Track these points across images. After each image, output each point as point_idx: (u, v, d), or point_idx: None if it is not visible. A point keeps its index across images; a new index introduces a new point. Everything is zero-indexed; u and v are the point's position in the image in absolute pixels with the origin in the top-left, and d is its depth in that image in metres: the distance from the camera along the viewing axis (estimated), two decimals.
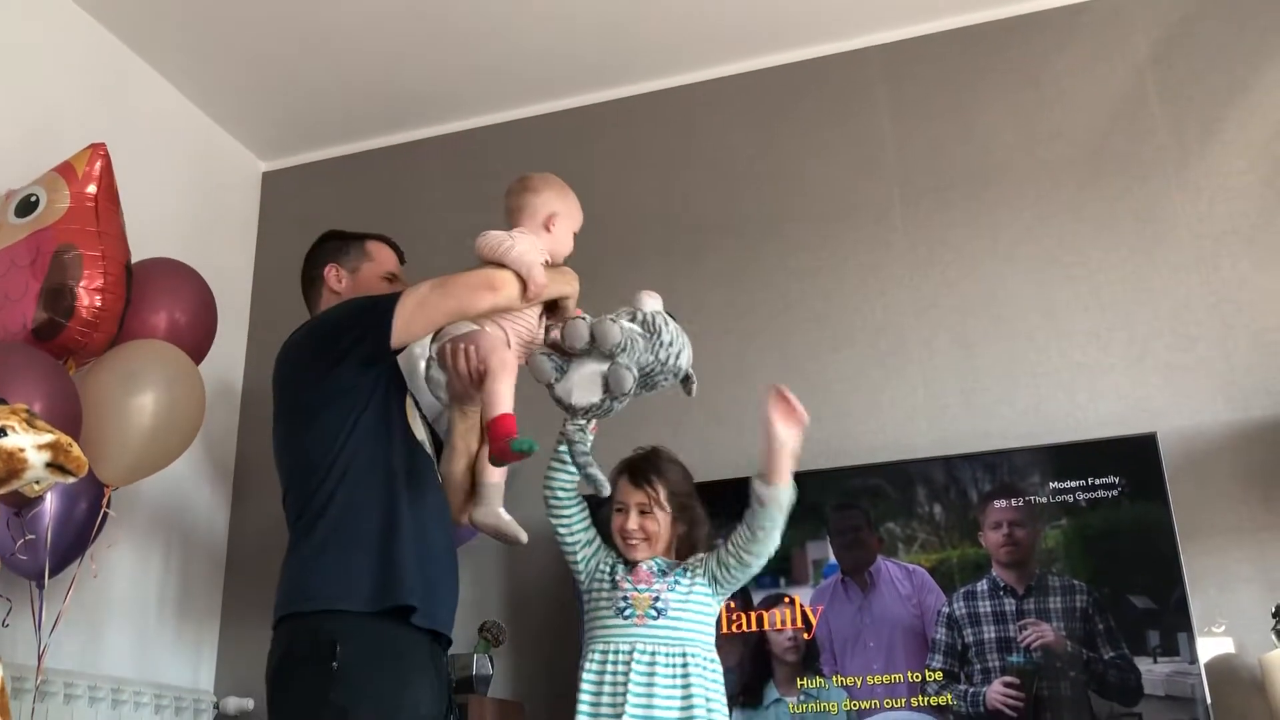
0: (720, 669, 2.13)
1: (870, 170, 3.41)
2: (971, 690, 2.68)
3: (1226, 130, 3.13)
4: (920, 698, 2.70)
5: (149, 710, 3.09)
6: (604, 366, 1.99)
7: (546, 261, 2.14)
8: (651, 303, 2.11)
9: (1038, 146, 3.27)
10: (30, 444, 1.90)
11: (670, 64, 3.66)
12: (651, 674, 2.04)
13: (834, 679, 2.77)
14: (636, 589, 2.13)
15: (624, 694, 2.02)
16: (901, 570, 2.82)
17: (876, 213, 3.36)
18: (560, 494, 2.20)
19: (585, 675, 2.10)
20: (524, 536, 2.14)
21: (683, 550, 2.23)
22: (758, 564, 2.13)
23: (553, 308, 2.19)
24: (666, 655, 2.06)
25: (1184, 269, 3.05)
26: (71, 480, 1.98)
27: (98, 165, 2.63)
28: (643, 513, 2.18)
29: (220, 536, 3.61)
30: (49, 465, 1.92)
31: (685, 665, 2.06)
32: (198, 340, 2.88)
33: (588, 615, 2.21)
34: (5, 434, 1.88)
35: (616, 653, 2.08)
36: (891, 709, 2.72)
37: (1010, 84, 3.36)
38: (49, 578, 2.54)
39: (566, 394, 2.02)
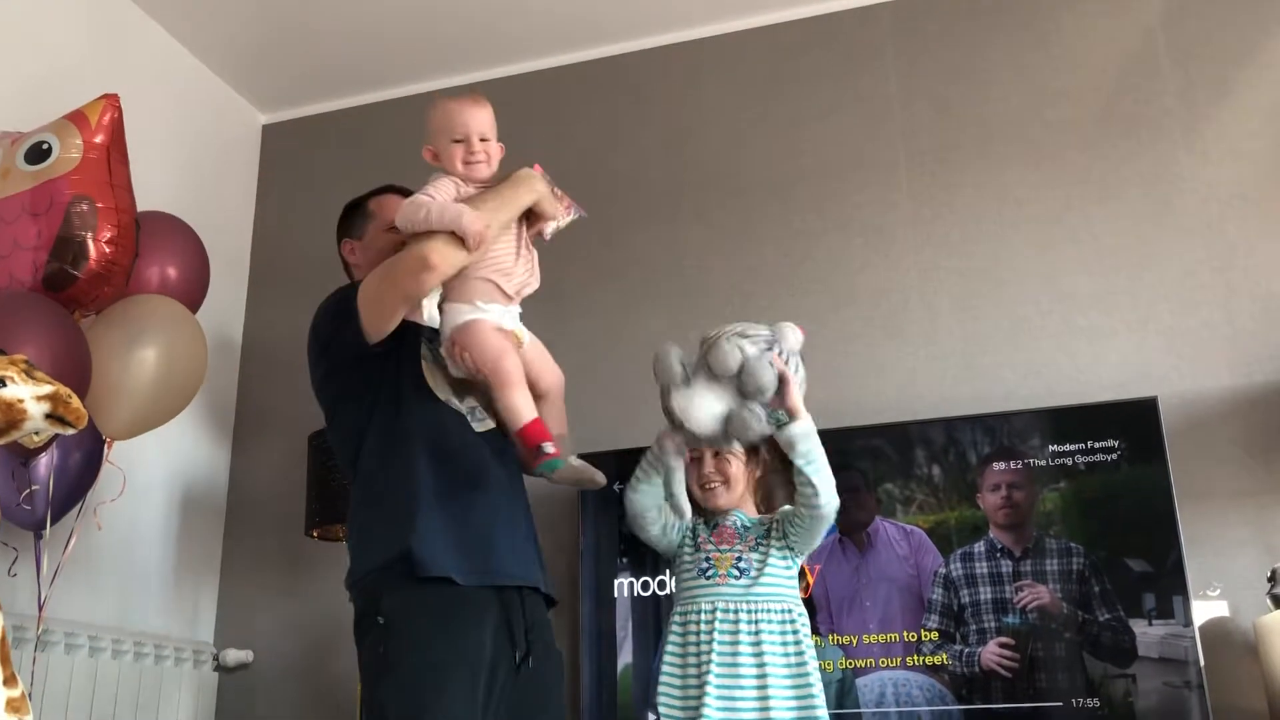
0: (806, 627, 2.02)
1: (876, 130, 3.38)
2: (966, 650, 2.70)
3: (1236, 92, 3.10)
4: (915, 657, 2.72)
5: (149, 661, 3.12)
6: (733, 404, 1.86)
7: (473, 193, 2.01)
8: (794, 338, 2.00)
9: (1045, 107, 3.24)
10: (30, 395, 1.89)
11: (676, 20, 3.61)
12: (736, 634, 1.98)
13: (830, 637, 2.78)
14: (719, 549, 2.06)
15: (709, 655, 1.97)
16: (899, 531, 2.83)
17: (882, 173, 3.34)
18: (644, 511, 2.10)
19: (669, 640, 2.04)
20: (601, 478, 2.01)
21: (762, 498, 2.15)
22: (822, 508, 1.99)
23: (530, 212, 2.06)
24: (750, 614, 1.99)
25: (1189, 232, 3.03)
26: (71, 432, 1.98)
27: (110, 116, 2.61)
28: (716, 454, 2.10)
29: (220, 489, 3.62)
30: (48, 416, 1.91)
31: (771, 623, 1.99)
32: (190, 295, 2.87)
33: (676, 586, 2.14)
34: (4, 385, 1.88)
35: (698, 613, 2.02)
36: (887, 668, 2.74)
37: (1019, 43, 3.32)
38: (50, 526, 2.55)
39: (683, 410, 1.88)
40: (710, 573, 2.05)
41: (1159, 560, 2.62)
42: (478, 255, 1.96)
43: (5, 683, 1.85)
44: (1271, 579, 2.56)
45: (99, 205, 2.52)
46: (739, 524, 2.10)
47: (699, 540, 2.10)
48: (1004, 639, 2.68)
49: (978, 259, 3.18)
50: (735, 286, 3.35)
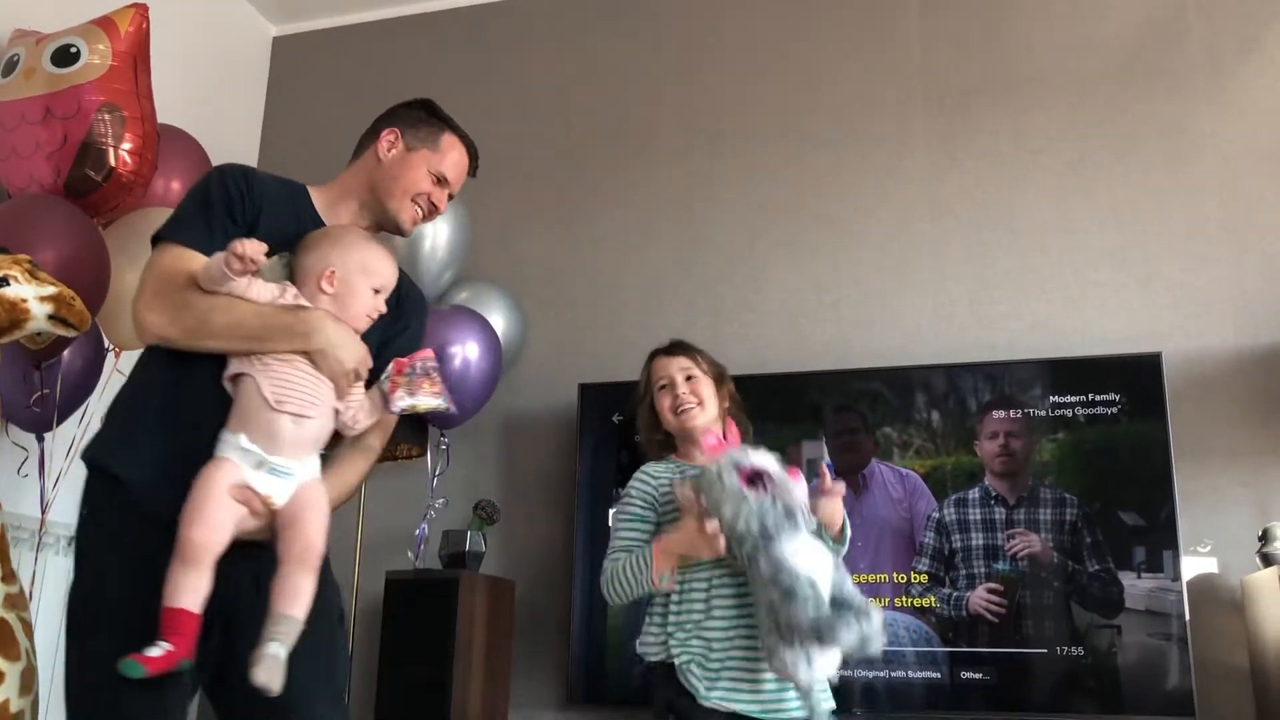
0: None
1: (894, 69, 3.33)
2: (955, 594, 2.72)
3: (1263, 49, 3.04)
4: (904, 598, 2.75)
5: None
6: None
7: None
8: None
9: (1068, 55, 3.19)
10: (33, 295, 1.89)
11: None
12: (737, 595, 1.95)
13: None
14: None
15: (720, 622, 1.95)
16: (894, 474, 2.84)
17: (898, 113, 3.29)
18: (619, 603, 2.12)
19: (671, 607, 2.01)
20: (274, 688, 1.54)
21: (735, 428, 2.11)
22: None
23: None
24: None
25: (1204, 189, 2.99)
26: (73, 334, 1.98)
27: (139, 25, 2.60)
28: (689, 378, 2.09)
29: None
30: (51, 318, 1.91)
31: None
32: None
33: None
34: (7, 284, 1.88)
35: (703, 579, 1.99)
36: (875, 608, 2.76)
37: None
38: (56, 426, 2.57)
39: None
40: None
41: (1152, 515, 2.64)
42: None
43: (4, 579, 1.88)
44: (1263, 538, 2.58)
45: (124, 114, 2.51)
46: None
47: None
48: (993, 585, 2.70)
49: (990, 206, 3.15)
50: (744, 221, 3.33)
